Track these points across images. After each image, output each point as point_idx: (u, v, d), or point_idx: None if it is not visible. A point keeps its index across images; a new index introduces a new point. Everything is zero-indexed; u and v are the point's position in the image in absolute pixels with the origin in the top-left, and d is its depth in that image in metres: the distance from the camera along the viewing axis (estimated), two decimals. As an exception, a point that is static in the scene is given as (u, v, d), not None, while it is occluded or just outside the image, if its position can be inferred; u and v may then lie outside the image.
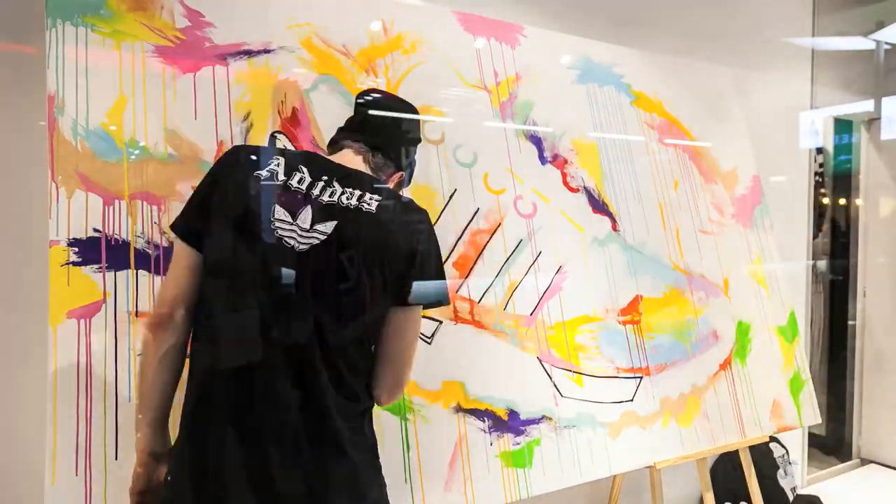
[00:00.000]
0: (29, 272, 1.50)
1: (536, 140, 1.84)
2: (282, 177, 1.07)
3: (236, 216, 1.04)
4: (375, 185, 1.14)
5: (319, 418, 1.03)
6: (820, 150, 3.38)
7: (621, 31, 2.32)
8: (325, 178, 1.09)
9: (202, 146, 1.36)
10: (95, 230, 1.24)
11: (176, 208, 1.31)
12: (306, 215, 1.05)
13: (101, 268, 1.24)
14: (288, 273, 1.04)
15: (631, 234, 1.97)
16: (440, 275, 1.18)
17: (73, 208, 1.22)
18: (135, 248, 1.27)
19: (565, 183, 1.87)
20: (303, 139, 1.49)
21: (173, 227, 1.09)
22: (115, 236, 1.26)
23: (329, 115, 1.52)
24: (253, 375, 1.02)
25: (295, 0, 1.53)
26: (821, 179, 3.41)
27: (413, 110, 1.33)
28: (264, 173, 1.07)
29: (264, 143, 1.44)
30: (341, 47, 1.57)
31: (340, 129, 1.26)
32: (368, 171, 1.19)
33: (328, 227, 1.05)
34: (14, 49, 1.52)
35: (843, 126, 3.56)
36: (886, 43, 3.38)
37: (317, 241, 1.04)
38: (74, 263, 1.21)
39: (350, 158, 1.18)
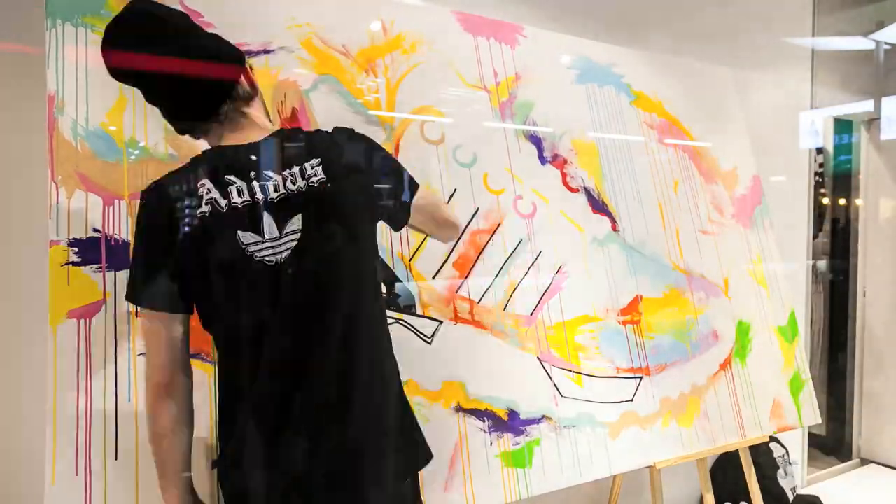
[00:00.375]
0: (29, 272, 1.50)
1: (536, 140, 1.84)
2: (222, 202, 1.00)
3: (215, 265, 1.00)
4: (304, 146, 1.08)
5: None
6: (820, 150, 3.37)
7: (621, 31, 2.32)
8: (252, 173, 1.02)
9: (202, 146, 1.36)
10: (95, 230, 1.24)
11: (176, 208, 1.31)
12: (270, 225, 1.01)
13: (101, 268, 1.24)
14: (282, 290, 1.00)
15: (631, 234, 1.97)
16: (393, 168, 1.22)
17: (73, 208, 1.22)
18: (135, 248, 1.27)
19: (565, 183, 1.87)
20: (303, 139, 1.49)
21: (135, 298, 1.04)
22: (115, 236, 1.26)
23: (329, 115, 1.52)
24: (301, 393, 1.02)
25: (295, 0, 1.53)
26: (821, 179, 3.41)
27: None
28: (205, 208, 1.00)
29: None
30: (341, 47, 1.57)
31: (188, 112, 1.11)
32: (254, 112, 1.11)
33: (295, 222, 1.01)
34: (14, 49, 1.52)
35: (843, 126, 3.56)
36: (886, 43, 3.38)
37: (294, 244, 1.01)
38: (74, 263, 1.21)
39: (238, 126, 1.08)
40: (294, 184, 1.03)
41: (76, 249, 1.22)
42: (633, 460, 1.80)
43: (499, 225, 1.71)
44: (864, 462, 3.57)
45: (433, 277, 1.59)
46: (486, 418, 1.60)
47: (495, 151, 1.76)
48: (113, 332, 1.23)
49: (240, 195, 1.01)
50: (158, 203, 1.02)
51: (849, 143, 3.59)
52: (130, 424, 1.22)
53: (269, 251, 1.00)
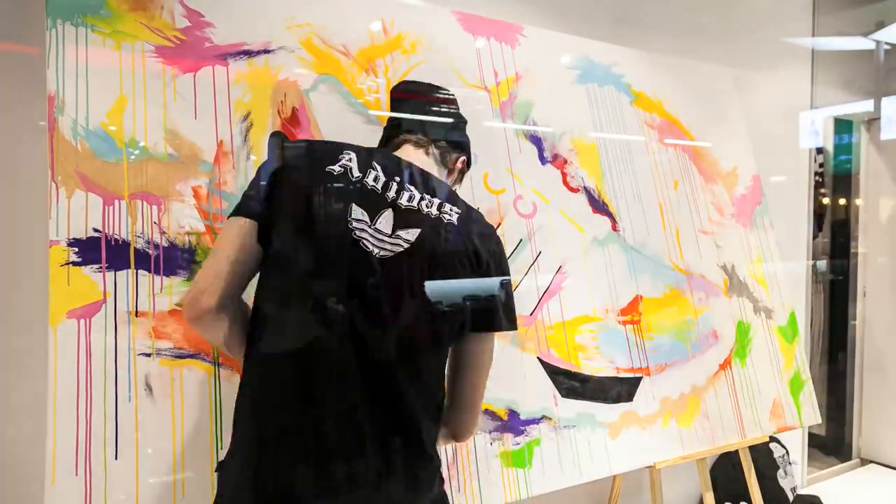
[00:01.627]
0: (29, 272, 1.50)
1: (536, 140, 1.84)
2: (356, 173, 1.02)
3: (307, 211, 0.99)
4: (450, 194, 1.12)
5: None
6: (820, 150, 3.37)
7: (621, 31, 2.32)
8: (397, 178, 1.05)
9: (202, 146, 1.36)
10: (95, 230, 1.24)
11: (176, 208, 1.31)
12: (387, 219, 1.00)
13: (101, 268, 1.24)
14: (365, 278, 0.98)
15: (631, 234, 1.97)
16: (510, 299, 1.15)
17: (73, 208, 1.22)
18: (135, 248, 1.27)
19: (565, 183, 1.87)
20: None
21: (237, 210, 1.03)
22: (115, 236, 1.26)
23: (329, 114, 1.52)
24: (319, 376, 0.97)
25: (295, 0, 1.53)
26: (821, 179, 3.41)
27: (446, 91, 1.34)
28: (336, 168, 1.02)
29: (264, 144, 1.44)
30: (341, 47, 1.57)
31: (391, 126, 1.24)
32: (433, 164, 1.16)
33: (412, 234, 1.01)
34: (14, 49, 1.52)
35: (843, 126, 3.56)
36: (886, 43, 3.38)
37: (400, 249, 1.00)
38: (74, 263, 1.21)
39: (410, 153, 1.14)
40: (428, 207, 1.05)
41: (76, 249, 1.22)
42: (633, 460, 1.80)
43: (499, 225, 1.71)
44: (864, 462, 3.57)
45: (433, 277, 1.59)
46: (485, 418, 1.60)
47: (495, 151, 1.76)
48: (113, 332, 1.23)
49: (375, 181, 1.04)
50: (308, 150, 1.09)
51: (849, 143, 3.59)
52: (130, 424, 1.22)
53: (372, 240, 1.00)
